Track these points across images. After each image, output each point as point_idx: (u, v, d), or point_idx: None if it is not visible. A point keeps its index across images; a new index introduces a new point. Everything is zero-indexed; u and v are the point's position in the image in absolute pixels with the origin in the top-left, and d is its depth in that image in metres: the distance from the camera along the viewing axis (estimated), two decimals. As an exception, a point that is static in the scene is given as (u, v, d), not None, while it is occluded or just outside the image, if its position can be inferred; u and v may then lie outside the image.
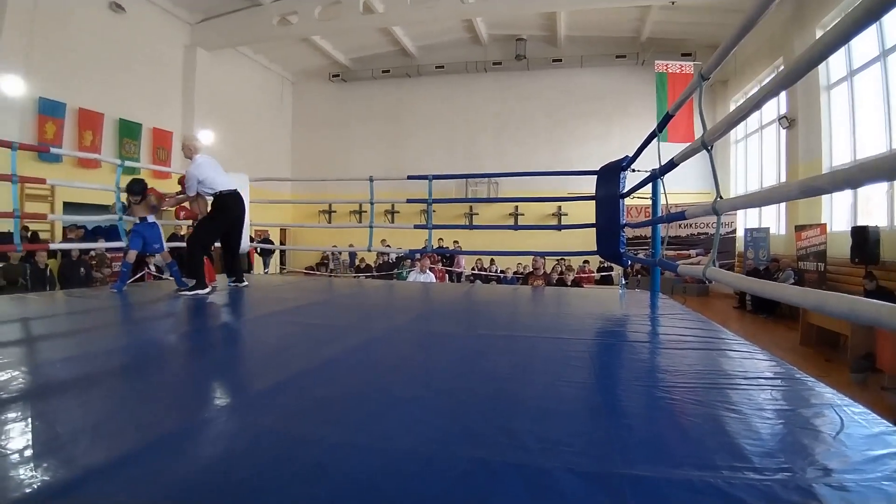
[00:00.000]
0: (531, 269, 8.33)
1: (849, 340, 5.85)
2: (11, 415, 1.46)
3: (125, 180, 4.87)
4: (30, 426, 1.39)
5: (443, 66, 16.70)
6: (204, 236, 4.63)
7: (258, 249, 12.31)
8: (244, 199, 4.88)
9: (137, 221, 4.65)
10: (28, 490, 1.04)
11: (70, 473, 1.12)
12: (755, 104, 1.74)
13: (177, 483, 1.11)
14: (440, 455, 1.25)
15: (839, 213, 9.58)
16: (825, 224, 9.31)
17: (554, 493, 1.08)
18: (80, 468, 1.15)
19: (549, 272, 11.55)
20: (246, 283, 4.94)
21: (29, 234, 8.85)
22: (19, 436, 1.32)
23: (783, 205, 11.23)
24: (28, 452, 1.22)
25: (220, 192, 4.54)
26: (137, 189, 4.63)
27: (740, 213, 13.27)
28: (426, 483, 1.12)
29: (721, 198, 2.13)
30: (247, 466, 1.18)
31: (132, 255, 4.66)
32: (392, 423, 1.48)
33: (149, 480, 1.11)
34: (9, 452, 1.21)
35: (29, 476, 1.10)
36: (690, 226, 13.23)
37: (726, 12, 11.89)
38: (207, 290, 4.37)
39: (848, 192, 8.98)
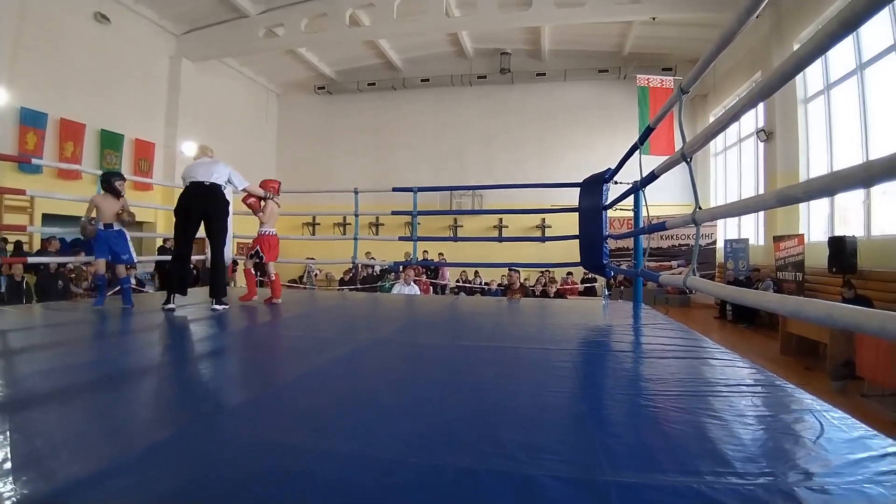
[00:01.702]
0: (508, 284, 8.43)
1: (828, 349, 5.95)
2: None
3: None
4: (10, 439, 1.36)
5: (428, 80, 16.79)
6: (175, 235, 4.26)
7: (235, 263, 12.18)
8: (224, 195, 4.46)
9: (102, 228, 4.32)
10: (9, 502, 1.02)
11: (53, 485, 1.11)
12: (732, 116, 1.79)
13: (165, 493, 1.10)
14: (427, 464, 1.25)
15: (817, 224, 9.76)
16: (803, 234, 9.48)
17: (541, 499, 1.08)
18: (64, 480, 1.13)
19: (532, 284, 11.62)
20: (226, 305, 4.25)
21: (11, 245, 8.69)
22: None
23: (762, 216, 11.43)
24: (7, 465, 1.19)
25: (187, 182, 4.26)
26: (119, 177, 4.45)
27: (720, 224, 13.47)
28: (413, 492, 1.12)
29: (700, 208, 2.17)
30: (235, 476, 1.17)
31: (101, 265, 4.39)
32: (379, 432, 1.48)
33: (136, 490, 1.10)
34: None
35: (9, 489, 1.08)
36: (672, 237, 13.41)
37: (706, 28, 12.15)
38: (169, 305, 4.09)
39: (825, 203, 9.17)
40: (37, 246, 9.44)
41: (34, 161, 6.77)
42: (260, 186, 4.95)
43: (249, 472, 1.19)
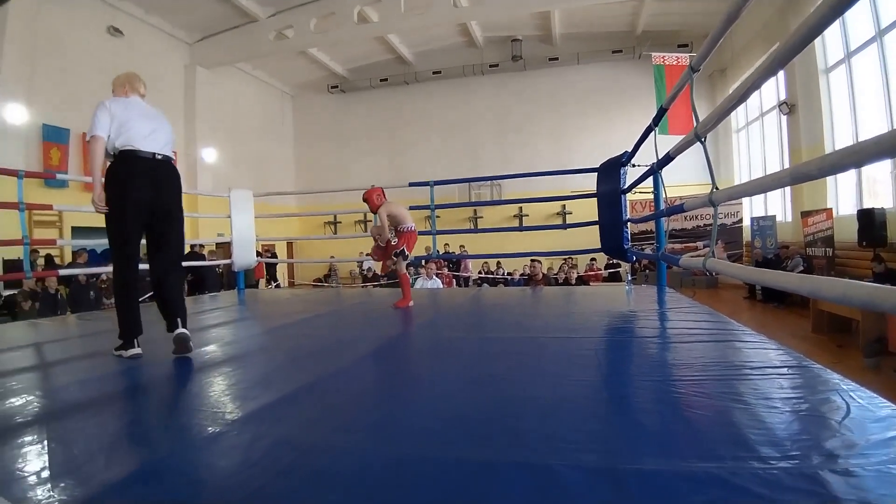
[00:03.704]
0: (531, 275, 8.47)
1: (860, 325, 5.80)
2: (29, 437, 1.49)
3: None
4: (50, 445, 1.41)
5: (440, 72, 16.75)
6: (112, 247, 2.70)
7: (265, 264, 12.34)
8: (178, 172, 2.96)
9: None
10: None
11: (88, 489, 1.15)
12: (743, 94, 1.75)
13: (195, 493, 1.13)
14: (447, 458, 1.26)
15: (845, 197, 9.49)
16: (831, 209, 9.25)
17: (559, 489, 1.09)
18: (98, 483, 1.18)
19: (555, 273, 11.55)
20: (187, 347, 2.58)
21: (42, 259, 8.95)
22: (37, 457, 1.35)
23: (788, 191, 11.16)
24: (48, 472, 1.24)
25: (119, 150, 2.70)
26: None
27: (746, 202, 13.18)
28: (433, 486, 1.14)
29: (717, 188, 2.13)
30: (262, 475, 1.20)
31: None
32: (400, 428, 1.50)
33: (168, 490, 1.14)
34: (28, 474, 1.24)
35: (48, 496, 1.12)
36: (696, 218, 13.17)
37: (719, 0, 11.86)
38: (134, 351, 2.56)
39: (852, 175, 8.91)
40: (68, 258, 9.72)
41: (59, 176, 6.94)
42: (365, 200, 4.32)
43: (277, 469, 1.22)
